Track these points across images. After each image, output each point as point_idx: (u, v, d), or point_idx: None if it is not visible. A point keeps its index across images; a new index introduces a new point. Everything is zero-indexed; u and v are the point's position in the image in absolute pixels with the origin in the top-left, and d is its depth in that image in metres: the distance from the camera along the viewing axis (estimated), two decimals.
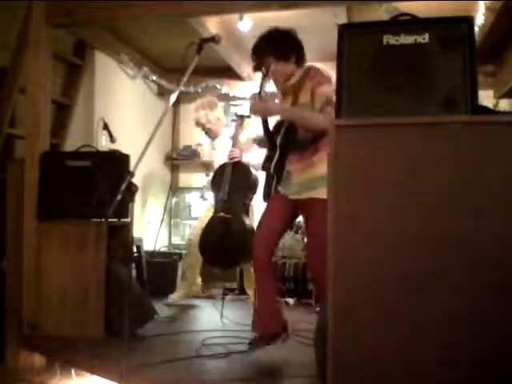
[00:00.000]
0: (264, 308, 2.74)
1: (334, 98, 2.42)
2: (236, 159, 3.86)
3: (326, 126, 2.42)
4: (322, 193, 2.53)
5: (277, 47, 2.67)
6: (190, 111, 4.32)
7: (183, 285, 4.30)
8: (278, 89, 2.82)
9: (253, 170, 3.92)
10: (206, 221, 3.94)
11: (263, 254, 2.74)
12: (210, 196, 4.20)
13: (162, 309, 3.91)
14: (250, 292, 3.94)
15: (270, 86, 2.82)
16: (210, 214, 3.97)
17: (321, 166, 2.57)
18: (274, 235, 2.78)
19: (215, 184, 3.98)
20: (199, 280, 4.35)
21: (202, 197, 4.73)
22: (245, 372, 2.55)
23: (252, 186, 3.90)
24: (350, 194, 1.74)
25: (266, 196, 2.81)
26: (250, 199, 3.98)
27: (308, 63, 2.79)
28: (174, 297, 4.22)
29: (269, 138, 2.78)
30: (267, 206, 2.81)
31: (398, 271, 1.68)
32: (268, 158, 2.79)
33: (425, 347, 1.65)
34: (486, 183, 1.65)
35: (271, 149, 2.77)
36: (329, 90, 2.57)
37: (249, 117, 3.92)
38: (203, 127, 4.17)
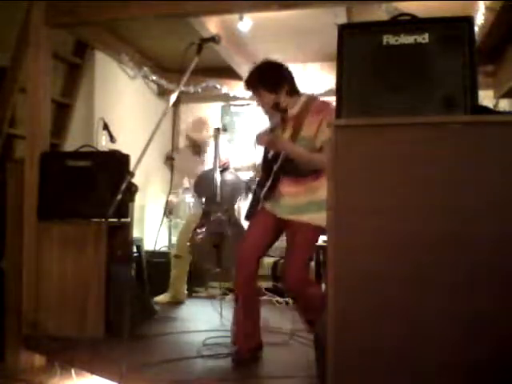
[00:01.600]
0: (246, 330, 2.74)
1: None
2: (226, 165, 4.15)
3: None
4: (312, 218, 2.61)
5: (267, 80, 2.69)
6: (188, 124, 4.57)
7: (170, 291, 4.41)
8: (272, 118, 2.79)
9: (238, 173, 4.23)
10: (189, 233, 4.13)
11: (249, 266, 2.72)
12: (189, 200, 4.57)
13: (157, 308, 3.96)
14: None
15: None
16: (194, 225, 4.14)
17: (322, 191, 2.58)
18: (260, 250, 2.77)
19: (202, 188, 4.17)
20: (185, 288, 4.51)
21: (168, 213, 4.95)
22: (245, 372, 2.55)
23: (241, 188, 4.17)
24: (349, 193, 1.74)
25: (250, 216, 2.80)
26: (239, 200, 4.24)
27: (307, 93, 2.80)
28: (159, 299, 4.34)
29: (267, 166, 2.76)
30: (254, 221, 2.79)
31: (398, 271, 1.68)
32: (260, 184, 2.77)
33: (425, 347, 1.65)
34: (486, 183, 1.65)
35: (266, 175, 2.75)
36: None
37: (225, 130, 4.37)
38: (194, 145, 4.38)
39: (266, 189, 2.72)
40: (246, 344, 2.72)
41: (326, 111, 2.58)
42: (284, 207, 2.69)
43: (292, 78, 2.75)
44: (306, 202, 2.65)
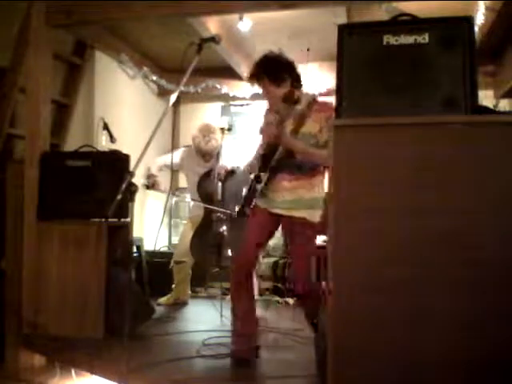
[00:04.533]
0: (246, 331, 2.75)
1: None
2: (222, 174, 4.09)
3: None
4: (315, 215, 2.63)
5: (271, 70, 2.70)
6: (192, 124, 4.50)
7: (174, 292, 4.41)
8: (275, 110, 2.77)
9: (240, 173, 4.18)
10: (187, 240, 4.12)
11: (245, 267, 2.75)
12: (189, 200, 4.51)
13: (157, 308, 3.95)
14: None
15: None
16: (193, 230, 4.13)
17: (320, 187, 2.66)
18: (258, 251, 2.83)
19: (204, 188, 4.15)
20: (188, 289, 4.52)
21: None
22: (245, 372, 2.55)
23: (242, 188, 4.11)
24: (349, 193, 1.74)
25: (244, 211, 2.78)
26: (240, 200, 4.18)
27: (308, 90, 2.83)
28: (162, 300, 4.35)
29: (265, 160, 2.73)
30: (251, 222, 2.78)
31: (398, 271, 1.68)
32: (257, 179, 2.75)
33: (425, 347, 1.65)
34: (486, 183, 1.65)
35: (262, 170, 2.73)
36: None
37: (229, 130, 4.31)
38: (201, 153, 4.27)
39: (262, 184, 2.70)
40: (245, 343, 2.72)
41: (330, 112, 2.58)
42: (281, 202, 2.69)
43: (296, 71, 2.76)
44: (303, 198, 2.66)
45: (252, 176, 2.88)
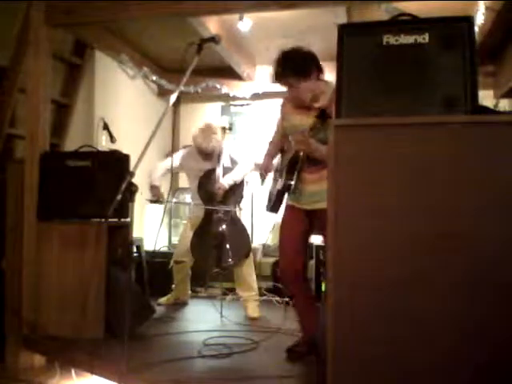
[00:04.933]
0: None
1: None
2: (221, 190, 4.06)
3: None
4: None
5: (296, 65, 2.57)
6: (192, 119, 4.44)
7: (174, 293, 4.41)
8: (298, 107, 2.70)
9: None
10: (187, 240, 4.12)
11: (294, 273, 2.75)
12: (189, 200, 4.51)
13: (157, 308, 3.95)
14: (241, 293, 4.01)
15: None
16: (190, 233, 4.13)
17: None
18: (300, 247, 2.77)
19: (204, 188, 4.14)
20: (188, 289, 4.51)
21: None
22: (245, 372, 2.55)
23: (242, 189, 4.18)
24: (349, 193, 1.74)
25: (277, 208, 2.78)
26: (240, 200, 4.20)
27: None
28: (162, 300, 4.36)
29: (292, 166, 2.71)
30: (284, 221, 2.80)
31: (398, 271, 1.68)
32: (288, 188, 2.72)
33: (425, 348, 1.65)
34: (486, 183, 1.65)
35: (290, 177, 2.70)
36: None
37: (230, 129, 4.25)
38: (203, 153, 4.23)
39: (292, 186, 2.68)
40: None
41: None
42: (308, 196, 2.69)
43: (318, 60, 2.65)
44: (323, 189, 2.62)
45: (260, 174, 2.88)
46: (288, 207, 2.81)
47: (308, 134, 2.58)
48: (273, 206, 2.79)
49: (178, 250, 4.32)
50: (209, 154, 4.16)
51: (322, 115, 2.53)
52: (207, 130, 4.13)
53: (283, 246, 2.81)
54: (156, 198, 4.20)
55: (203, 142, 4.08)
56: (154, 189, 4.17)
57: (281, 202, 2.77)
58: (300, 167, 2.69)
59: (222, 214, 4.01)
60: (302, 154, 2.67)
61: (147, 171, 4.61)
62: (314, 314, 2.79)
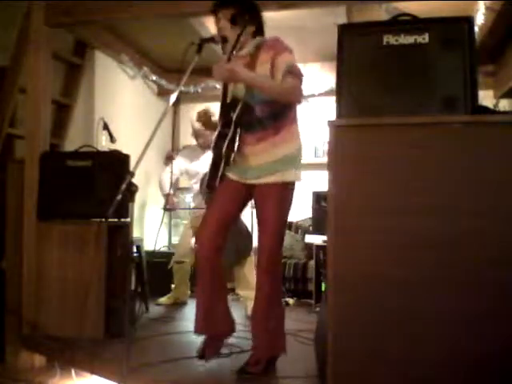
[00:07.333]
0: (210, 308, 2.64)
1: (297, 67, 2.35)
2: None
3: (294, 97, 2.37)
4: (281, 176, 2.43)
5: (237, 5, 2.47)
6: (192, 113, 4.46)
7: (174, 292, 4.42)
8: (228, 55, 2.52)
9: None
10: (188, 240, 4.15)
11: (211, 241, 2.55)
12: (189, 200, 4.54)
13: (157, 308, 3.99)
14: (241, 292, 4.01)
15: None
16: (191, 233, 4.13)
17: (283, 146, 2.44)
18: (226, 221, 2.58)
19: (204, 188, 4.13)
20: (188, 289, 4.50)
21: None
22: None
23: None
24: (349, 193, 1.74)
25: (213, 183, 2.53)
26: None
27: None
28: (162, 300, 4.36)
29: (225, 113, 2.55)
30: (217, 193, 2.56)
31: (398, 271, 1.68)
32: (221, 136, 2.51)
33: (425, 347, 1.65)
34: (486, 183, 1.65)
35: (225, 126, 2.50)
36: (289, 58, 2.39)
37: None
38: (199, 136, 4.28)
39: (227, 141, 2.45)
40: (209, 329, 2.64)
41: (278, 46, 2.44)
42: (250, 170, 2.51)
43: (261, 18, 2.58)
44: (270, 161, 2.45)
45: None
46: (228, 179, 2.55)
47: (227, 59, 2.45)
48: (208, 183, 2.55)
49: (179, 251, 4.33)
50: (207, 140, 4.16)
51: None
52: (205, 114, 4.21)
53: (211, 215, 2.56)
54: (172, 205, 4.45)
55: (201, 126, 4.18)
56: (168, 197, 4.38)
57: (216, 176, 2.52)
58: (237, 121, 2.46)
59: None
60: (239, 105, 2.46)
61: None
62: (226, 307, 2.67)
